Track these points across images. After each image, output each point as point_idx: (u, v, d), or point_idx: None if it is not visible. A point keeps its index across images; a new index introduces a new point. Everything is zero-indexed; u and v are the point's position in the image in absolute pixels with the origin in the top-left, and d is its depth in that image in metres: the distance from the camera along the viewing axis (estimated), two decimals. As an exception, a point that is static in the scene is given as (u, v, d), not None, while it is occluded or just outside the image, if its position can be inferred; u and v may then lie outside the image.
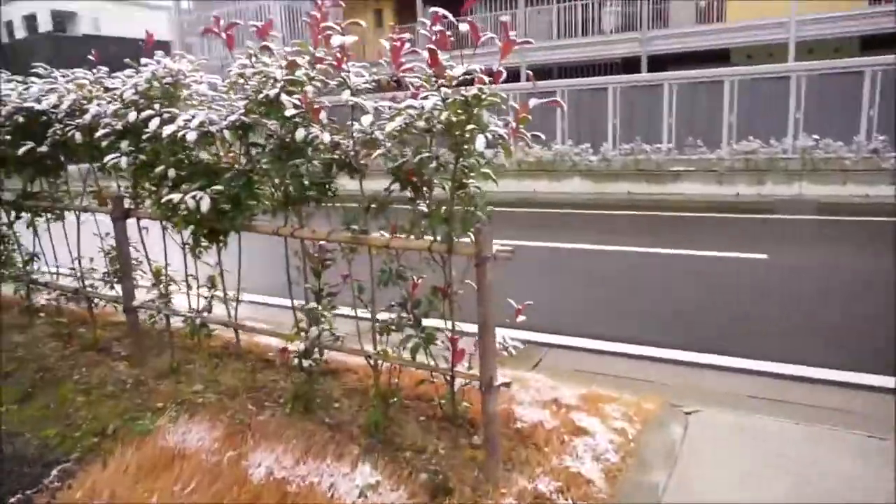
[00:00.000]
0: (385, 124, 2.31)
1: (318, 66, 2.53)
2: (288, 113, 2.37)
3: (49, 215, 3.98)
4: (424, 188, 2.40)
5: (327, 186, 2.82)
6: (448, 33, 2.20)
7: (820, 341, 4.34)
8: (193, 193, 2.74)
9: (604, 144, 13.50)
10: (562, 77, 18.71)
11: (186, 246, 3.24)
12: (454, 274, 2.58)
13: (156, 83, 2.99)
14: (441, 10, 2.09)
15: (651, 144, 12.98)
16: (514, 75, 19.49)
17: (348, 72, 2.50)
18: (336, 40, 2.26)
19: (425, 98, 2.13)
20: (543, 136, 2.26)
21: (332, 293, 2.79)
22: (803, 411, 3.23)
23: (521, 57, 19.16)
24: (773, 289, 5.67)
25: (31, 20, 36.03)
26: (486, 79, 2.07)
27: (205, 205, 2.68)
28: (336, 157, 2.65)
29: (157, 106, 2.90)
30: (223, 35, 2.54)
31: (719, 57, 17.08)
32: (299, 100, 2.37)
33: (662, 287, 5.89)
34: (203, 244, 3.17)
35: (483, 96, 2.08)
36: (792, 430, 2.97)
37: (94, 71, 3.44)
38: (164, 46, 2.50)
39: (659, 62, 17.27)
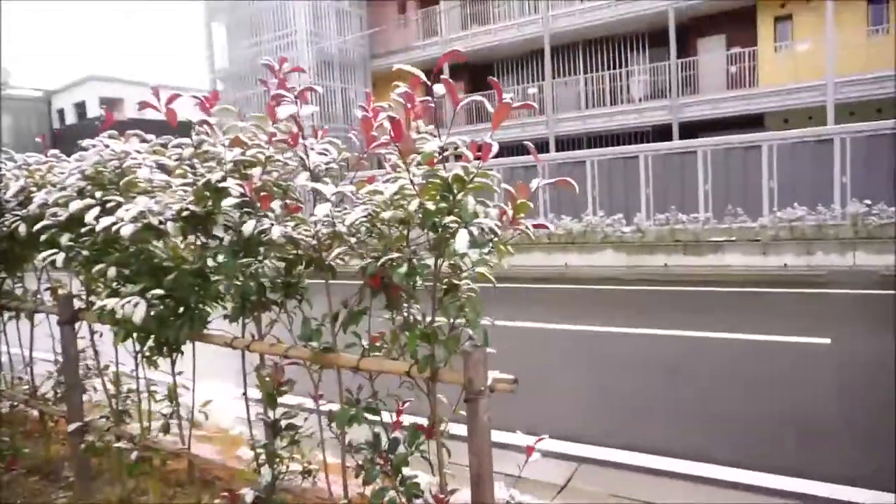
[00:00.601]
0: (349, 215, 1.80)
1: (273, 143, 2.06)
2: (227, 203, 1.88)
3: (7, 315, 3.54)
4: (402, 294, 1.85)
5: (293, 287, 2.30)
6: (426, 99, 1.69)
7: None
8: (131, 298, 2.24)
9: (637, 215, 12.93)
10: (591, 147, 18.41)
11: (138, 355, 2.74)
12: (446, 402, 1.99)
13: (104, 167, 2.57)
14: (411, 69, 1.60)
15: (687, 214, 12.36)
16: (542, 146, 19.30)
17: (310, 149, 2.03)
18: (284, 111, 1.79)
19: (393, 181, 1.61)
20: (552, 227, 1.66)
21: (292, 425, 2.21)
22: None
23: (549, 127, 19.00)
24: (847, 385, 4.86)
25: (80, 107, 38.01)
26: (470, 154, 1.55)
27: (139, 313, 2.17)
28: (297, 253, 2.14)
29: (98, 194, 2.47)
30: (162, 109, 2.10)
31: (753, 122, 16.59)
32: (241, 186, 1.88)
33: (712, 381, 5.13)
34: (157, 354, 2.66)
35: (467, 178, 1.55)
36: None
37: (46, 155, 3.06)
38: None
39: (690, 129, 16.86)
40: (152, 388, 3.12)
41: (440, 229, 1.58)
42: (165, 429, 2.84)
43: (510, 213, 1.59)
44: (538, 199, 14.48)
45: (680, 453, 3.71)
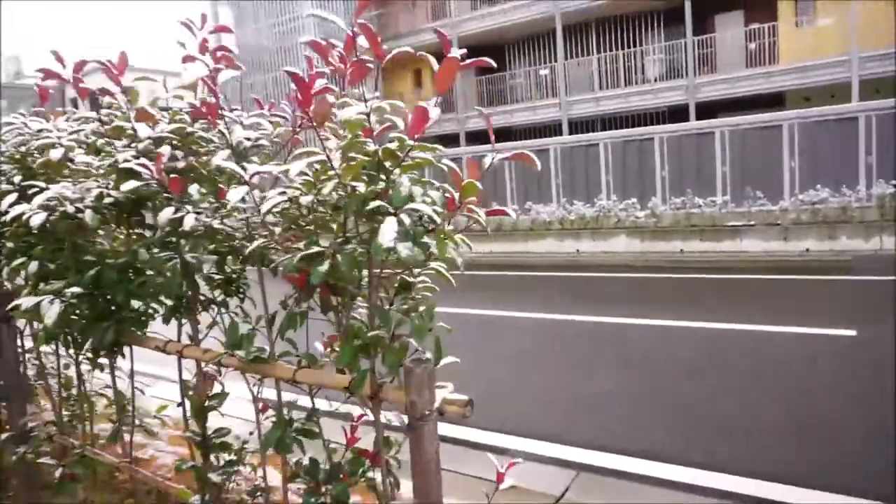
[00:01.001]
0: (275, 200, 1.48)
1: (197, 116, 1.75)
2: (126, 187, 1.58)
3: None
4: (336, 297, 1.54)
5: (234, 284, 2.01)
6: (363, 59, 1.36)
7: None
8: (45, 297, 1.96)
9: (652, 199, 12.48)
10: (605, 129, 17.89)
11: (78, 357, 2.48)
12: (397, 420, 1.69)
13: (28, 148, 2.28)
14: (330, 15, 1.27)
15: (704, 197, 11.89)
16: (554, 129, 18.83)
17: (237, 122, 1.72)
18: (190, 73, 1.47)
19: (304, 156, 1.29)
20: (514, 215, 1.32)
21: (224, 443, 1.91)
22: None
23: (561, 110, 18.54)
24: (876, 381, 4.47)
25: (93, 95, 38.08)
26: (401, 122, 1.23)
27: (51, 314, 1.89)
28: (232, 245, 1.84)
29: (17, 178, 2.19)
30: (68, 78, 1.80)
31: (773, 101, 15.99)
32: (147, 168, 1.57)
33: (731, 379, 4.77)
34: (94, 356, 2.39)
35: (400, 153, 1.23)
36: None
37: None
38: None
39: (708, 110, 16.28)
40: (102, 391, 2.89)
41: (371, 217, 1.27)
42: (114, 437, 2.58)
43: (455, 196, 1.26)
44: (549, 183, 14.09)
45: (696, 462, 3.37)
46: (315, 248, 1.34)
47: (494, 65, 1.35)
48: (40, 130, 2.15)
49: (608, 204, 12.75)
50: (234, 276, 1.99)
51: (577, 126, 18.90)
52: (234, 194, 1.44)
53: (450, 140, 20.26)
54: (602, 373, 5.06)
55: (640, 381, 4.79)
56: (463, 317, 7.42)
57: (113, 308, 2.11)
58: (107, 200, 1.95)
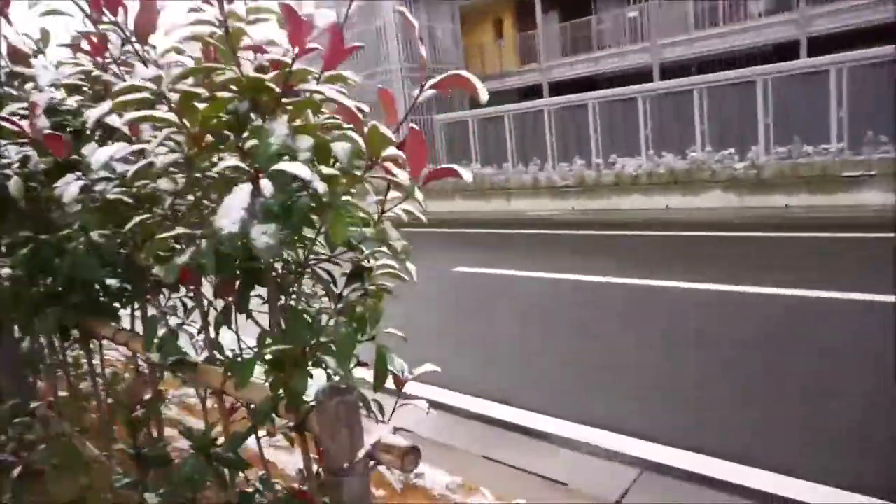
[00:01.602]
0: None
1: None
2: (-14, 147, 1.23)
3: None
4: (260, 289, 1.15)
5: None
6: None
7: None
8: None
9: (752, 149, 11.23)
10: (702, 73, 16.37)
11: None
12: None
13: None
14: None
15: (815, 145, 10.54)
16: (644, 76, 17.45)
17: (146, 62, 1.33)
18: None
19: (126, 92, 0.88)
20: (469, 175, 0.83)
21: (162, 455, 1.59)
22: None
23: (651, 55, 17.15)
24: None
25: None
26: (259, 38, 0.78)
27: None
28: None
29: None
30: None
31: (905, 32, 13.90)
32: (13, 122, 1.22)
33: (846, 365, 4.05)
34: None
35: (276, 85, 0.79)
36: None
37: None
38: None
39: (822, 45, 14.42)
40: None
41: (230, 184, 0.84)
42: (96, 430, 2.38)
43: (364, 151, 0.81)
44: (637, 135, 13.05)
45: (783, 466, 2.80)
46: (179, 231, 0.93)
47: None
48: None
49: (702, 155, 11.64)
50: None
51: (669, 72, 17.42)
52: (100, 154, 1.06)
53: (533, 93, 19.33)
54: (713, 350, 4.46)
55: (753, 361, 4.16)
56: (550, 282, 6.94)
57: (59, 291, 1.82)
58: (42, 167, 1.64)
